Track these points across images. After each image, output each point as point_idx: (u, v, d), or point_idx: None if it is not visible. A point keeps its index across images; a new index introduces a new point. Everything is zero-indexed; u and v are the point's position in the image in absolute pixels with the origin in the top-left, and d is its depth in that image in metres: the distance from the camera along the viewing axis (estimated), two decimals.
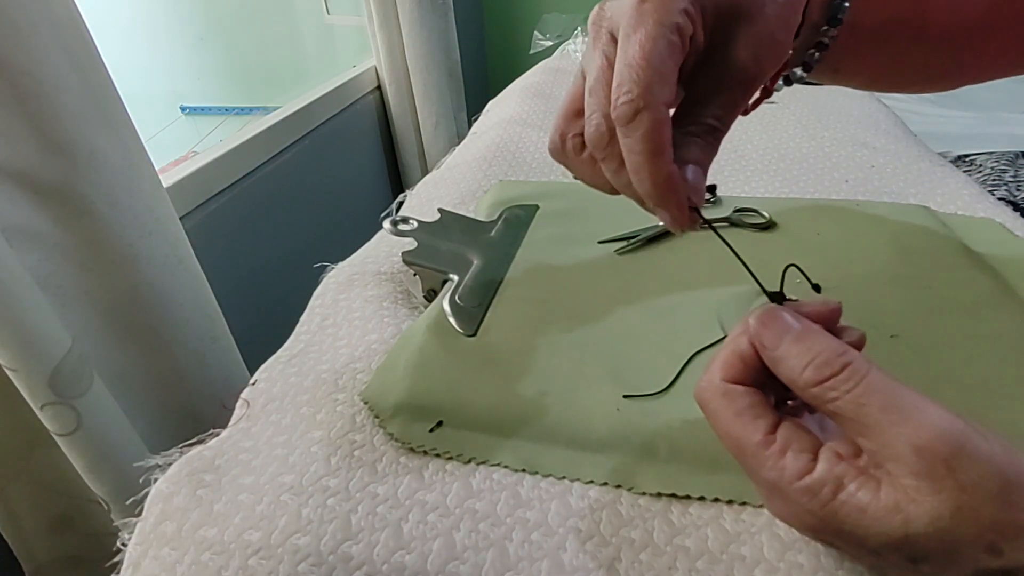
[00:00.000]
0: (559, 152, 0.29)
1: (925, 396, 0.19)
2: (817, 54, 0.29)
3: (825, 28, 0.29)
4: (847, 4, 0.28)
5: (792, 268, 0.26)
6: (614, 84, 0.24)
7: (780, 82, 0.32)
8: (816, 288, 0.27)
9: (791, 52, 0.27)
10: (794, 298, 0.25)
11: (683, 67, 0.25)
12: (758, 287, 0.25)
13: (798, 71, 0.31)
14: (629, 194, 0.27)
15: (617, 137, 0.25)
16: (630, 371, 0.34)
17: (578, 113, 0.27)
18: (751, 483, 0.23)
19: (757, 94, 0.28)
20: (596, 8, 0.27)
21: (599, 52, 0.26)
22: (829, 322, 0.24)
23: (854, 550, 0.20)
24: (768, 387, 0.23)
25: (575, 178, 0.30)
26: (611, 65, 0.25)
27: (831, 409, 0.20)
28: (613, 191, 0.28)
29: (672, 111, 0.27)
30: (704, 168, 0.26)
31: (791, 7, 0.26)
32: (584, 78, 0.27)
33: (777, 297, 0.25)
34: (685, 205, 0.25)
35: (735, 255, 0.26)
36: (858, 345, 0.23)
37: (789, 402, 0.25)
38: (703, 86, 0.26)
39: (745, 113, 0.28)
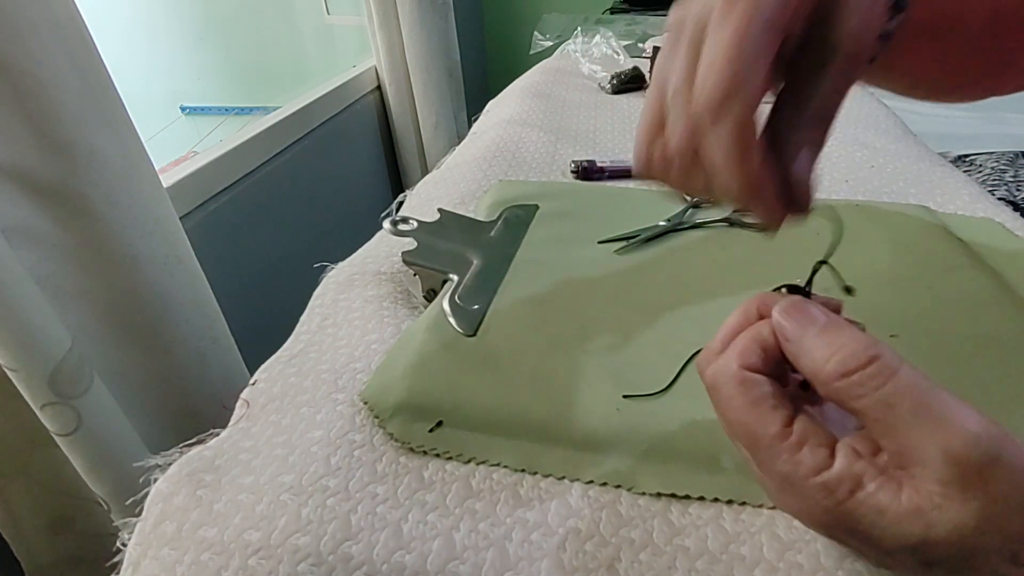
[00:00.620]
0: (647, 170, 0.27)
1: (957, 397, 0.19)
2: (883, 43, 0.27)
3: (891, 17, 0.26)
4: None
5: (822, 266, 0.25)
6: (699, 75, 0.22)
7: None
8: (848, 290, 0.25)
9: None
10: (820, 295, 0.24)
11: (782, 53, 0.22)
12: (759, 286, 0.25)
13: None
14: (726, 197, 0.24)
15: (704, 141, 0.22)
16: (630, 371, 0.34)
17: (661, 126, 0.25)
18: (752, 482, 0.23)
19: None
20: (676, 8, 0.24)
21: (682, 52, 0.23)
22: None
23: (864, 548, 0.20)
24: (780, 381, 0.22)
25: (671, 190, 0.27)
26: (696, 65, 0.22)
27: (856, 407, 0.19)
28: (710, 196, 0.25)
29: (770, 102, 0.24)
30: (814, 155, 0.23)
31: None
32: (660, 90, 0.24)
33: (803, 294, 0.24)
34: (777, 199, 0.23)
35: (830, 253, 0.24)
36: None
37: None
38: (807, 68, 0.23)
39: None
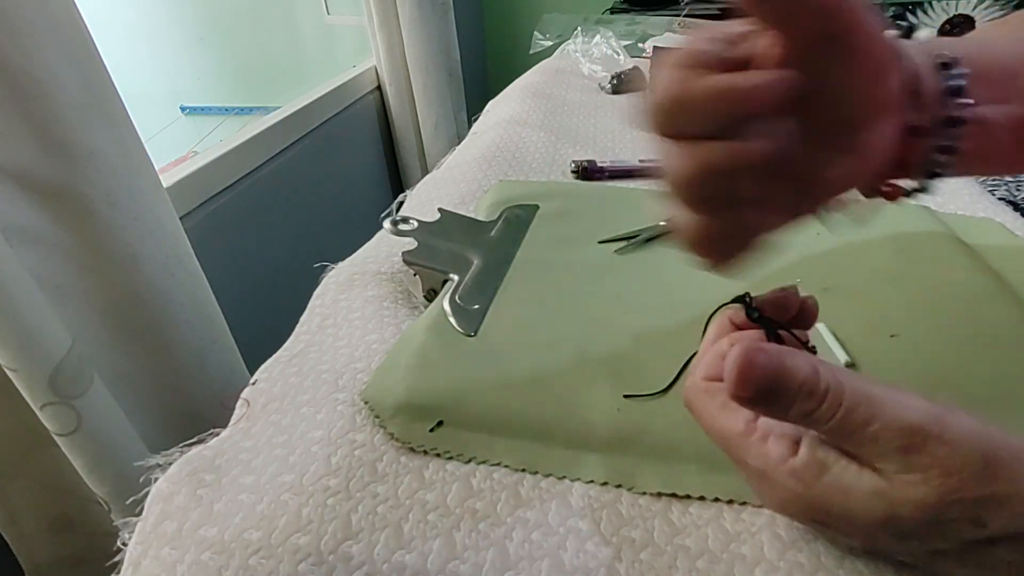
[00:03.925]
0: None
1: (894, 388, 0.20)
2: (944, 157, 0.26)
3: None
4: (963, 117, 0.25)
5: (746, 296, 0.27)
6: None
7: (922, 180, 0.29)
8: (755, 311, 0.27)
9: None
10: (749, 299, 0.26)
11: None
12: (760, 286, 0.26)
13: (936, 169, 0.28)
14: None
15: None
16: (630, 371, 0.34)
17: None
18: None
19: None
20: None
21: None
22: (786, 307, 0.26)
23: (844, 528, 0.21)
24: None
25: None
26: None
27: (817, 430, 0.21)
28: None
29: None
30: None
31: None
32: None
33: (748, 309, 0.26)
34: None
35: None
36: (812, 307, 0.25)
37: None
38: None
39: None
